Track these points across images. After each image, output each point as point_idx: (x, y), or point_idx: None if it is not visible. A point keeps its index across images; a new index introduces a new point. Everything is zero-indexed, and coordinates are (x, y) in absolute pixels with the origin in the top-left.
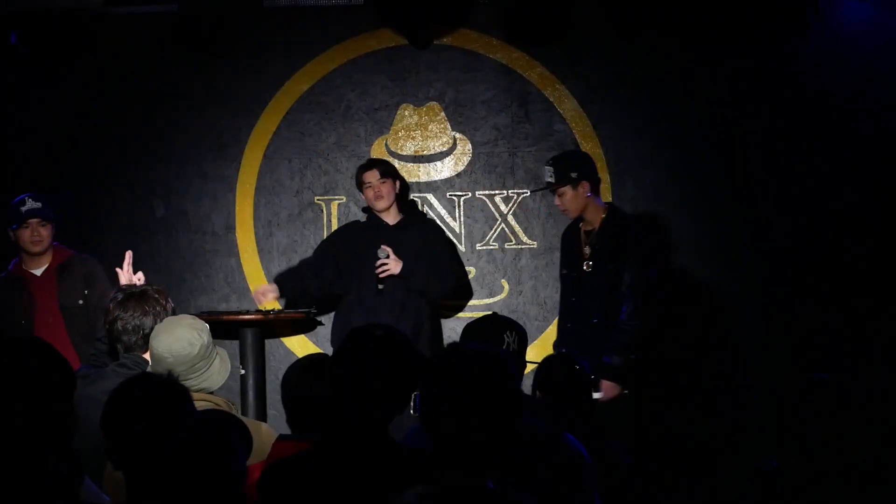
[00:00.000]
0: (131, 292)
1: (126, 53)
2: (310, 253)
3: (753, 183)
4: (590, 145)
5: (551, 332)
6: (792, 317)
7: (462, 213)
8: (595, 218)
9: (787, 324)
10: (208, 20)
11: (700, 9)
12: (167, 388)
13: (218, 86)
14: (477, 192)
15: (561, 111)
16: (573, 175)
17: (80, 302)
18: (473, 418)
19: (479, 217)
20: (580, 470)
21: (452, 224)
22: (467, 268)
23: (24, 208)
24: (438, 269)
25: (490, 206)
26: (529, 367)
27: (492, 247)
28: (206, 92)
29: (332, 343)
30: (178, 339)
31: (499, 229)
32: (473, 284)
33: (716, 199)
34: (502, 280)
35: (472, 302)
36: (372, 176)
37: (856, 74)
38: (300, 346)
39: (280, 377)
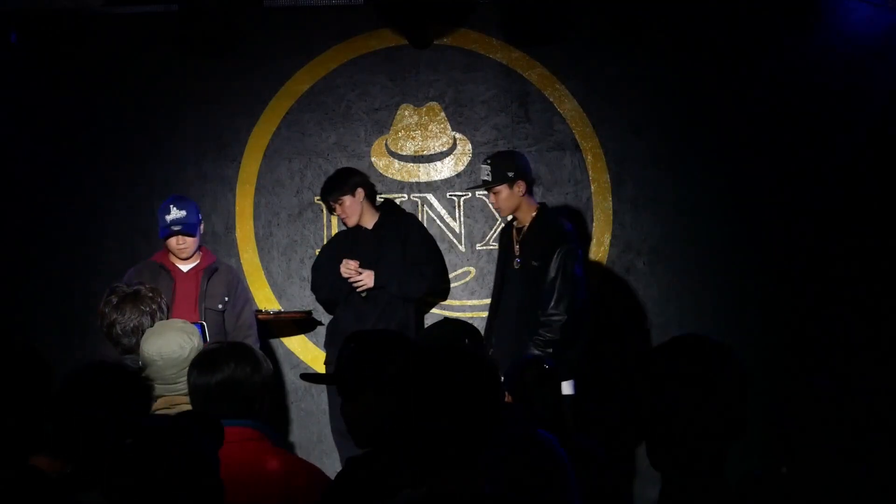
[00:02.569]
0: (124, 293)
1: (126, 53)
2: (309, 253)
3: (753, 183)
4: (590, 145)
5: None
6: (791, 317)
7: (462, 213)
8: (526, 217)
9: (786, 324)
10: (208, 20)
11: (700, 9)
12: (125, 377)
13: (218, 86)
14: (477, 192)
15: (561, 111)
16: (510, 174)
17: (220, 307)
18: (463, 417)
19: (479, 217)
20: (557, 467)
21: (452, 224)
22: (468, 268)
23: (168, 217)
24: (416, 269)
25: (490, 206)
26: None
27: (492, 247)
28: (206, 92)
29: (326, 344)
30: (169, 343)
31: (499, 229)
32: (473, 284)
33: (716, 199)
34: None
35: (472, 302)
36: (329, 202)
37: (855, 74)
38: (300, 346)
39: (280, 377)
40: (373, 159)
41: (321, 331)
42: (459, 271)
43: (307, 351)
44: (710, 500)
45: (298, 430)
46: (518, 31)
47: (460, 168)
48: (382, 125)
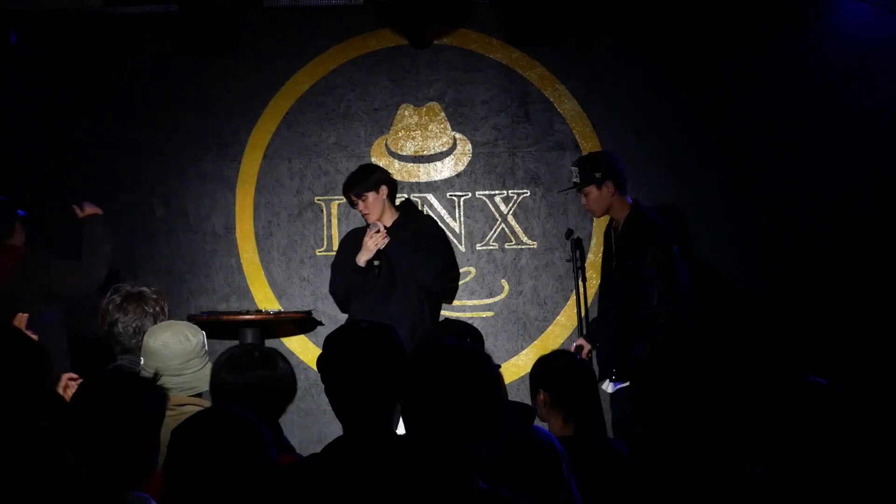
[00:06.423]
0: (129, 293)
1: (126, 53)
2: (309, 253)
3: (753, 183)
4: (590, 145)
5: (551, 332)
6: (792, 317)
7: (462, 213)
8: (621, 216)
9: (786, 324)
10: (208, 20)
11: (700, 9)
12: (142, 383)
13: (218, 86)
14: (477, 192)
15: (561, 111)
16: (597, 175)
17: None
18: (460, 415)
19: (479, 217)
20: (555, 462)
21: (452, 224)
22: (468, 268)
23: None
24: (424, 252)
25: (490, 206)
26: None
27: (492, 247)
28: (206, 92)
29: None
30: (176, 334)
31: (499, 229)
32: (473, 284)
33: (716, 199)
34: (502, 280)
35: (472, 302)
36: (352, 197)
37: (855, 74)
38: (300, 345)
39: None
40: (373, 159)
41: (321, 331)
42: (460, 271)
43: (307, 351)
44: None
45: (298, 430)
46: (518, 31)
47: (460, 168)
48: (382, 125)
